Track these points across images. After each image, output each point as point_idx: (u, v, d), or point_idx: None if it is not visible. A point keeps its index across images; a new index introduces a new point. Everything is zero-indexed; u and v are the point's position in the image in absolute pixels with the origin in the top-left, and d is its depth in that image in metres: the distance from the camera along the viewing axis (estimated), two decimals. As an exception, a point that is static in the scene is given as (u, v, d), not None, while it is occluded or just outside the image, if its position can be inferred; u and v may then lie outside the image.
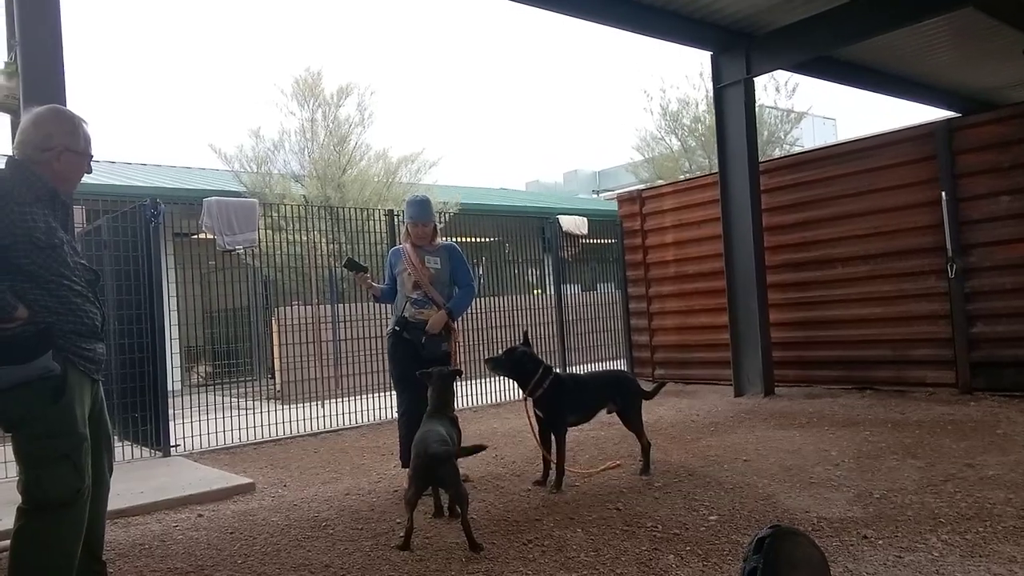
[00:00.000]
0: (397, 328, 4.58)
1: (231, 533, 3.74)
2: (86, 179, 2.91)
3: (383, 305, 7.66)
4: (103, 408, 2.81)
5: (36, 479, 2.47)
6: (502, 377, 4.51)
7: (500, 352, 4.41)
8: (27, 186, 2.53)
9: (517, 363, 4.26)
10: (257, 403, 7.85)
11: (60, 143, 2.63)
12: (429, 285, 4.56)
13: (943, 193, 6.58)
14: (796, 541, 2.12)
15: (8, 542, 2.51)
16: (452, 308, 4.58)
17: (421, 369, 4.46)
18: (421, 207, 4.73)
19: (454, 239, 8.63)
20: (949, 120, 6.97)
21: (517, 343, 4.43)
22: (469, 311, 8.50)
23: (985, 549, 2.90)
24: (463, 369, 4.77)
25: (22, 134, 2.63)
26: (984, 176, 6.43)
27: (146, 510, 4.21)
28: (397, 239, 7.58)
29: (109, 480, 2.86)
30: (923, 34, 8.00)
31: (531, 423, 4.35)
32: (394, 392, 4.84)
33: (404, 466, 4.49)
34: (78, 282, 2.60)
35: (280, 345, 8.64)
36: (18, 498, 2.49)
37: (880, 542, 3.04)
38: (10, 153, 2.74)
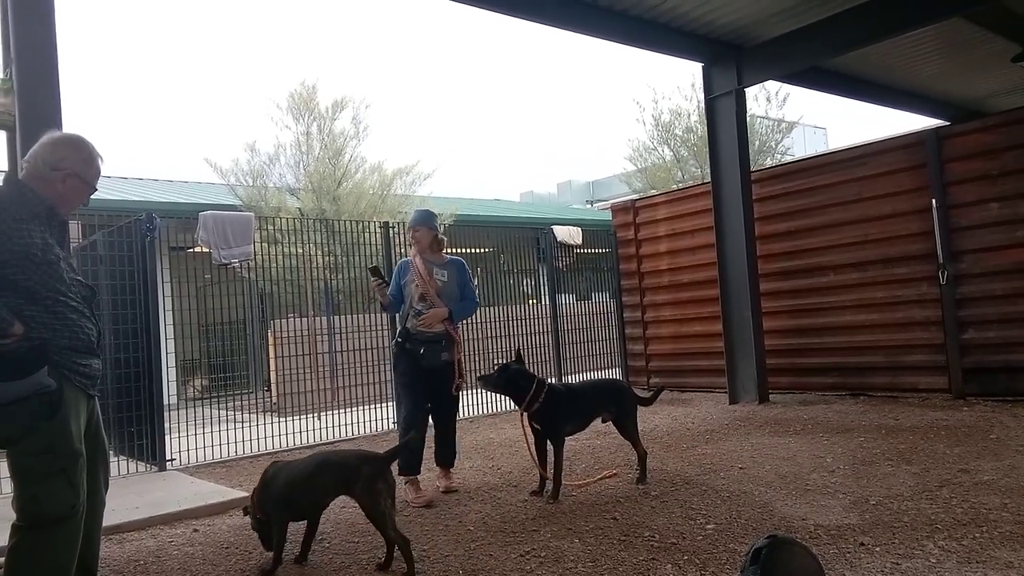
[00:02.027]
0: (400, 339, 4.66)
1: (227, 548, 3.73)
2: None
3: (381, 316, 7.72)
4: (99, 424, 2.81)
5: (32, 495, 2.46)
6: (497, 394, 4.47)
7: (493, 370, 4.36)
8: (23, 203, 2.54)
9: (511, 381, 4.25)
10: (253, 416, 7.82)
11: (71, 167, 2.67)
12: (436, 297, 4.61)
13: (933, 201, 6.63)
14: (793, 551, 2.13)
15: (3, 559, 2.50)
16: (455, 311, 4.64)
17: (423, 379, 4.57)
18: (417, 214, 4.86)
19: (450, 250, 8.63)
20: (937, 129, 7.03)
21: (510, 360, 4.40)
22: (465, 321, 8.57)
23: (982, 555, 2.91)
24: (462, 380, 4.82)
25: (39, 148, 2.67)
26: (973, 184, 6.48)
27: (141, 525, 4.19)
28: (393, 251, 7.60)
29: (105, 496, 2.86)
30: (912, 44, 8.09)
31: (527, 437, 4.35)
32: (390, 403, 4.89)
33: (401, 473, 4.53)
34: (74, 298, 2.61)
35: (276, 358, 8.62)
36: (13, 515, 2.49)
37: (877, 549, 3.06)
38: (6, 169, 2.76)
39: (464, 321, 4.95)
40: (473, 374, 8.08)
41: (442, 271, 4.71)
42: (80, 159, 2.70)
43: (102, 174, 2.82)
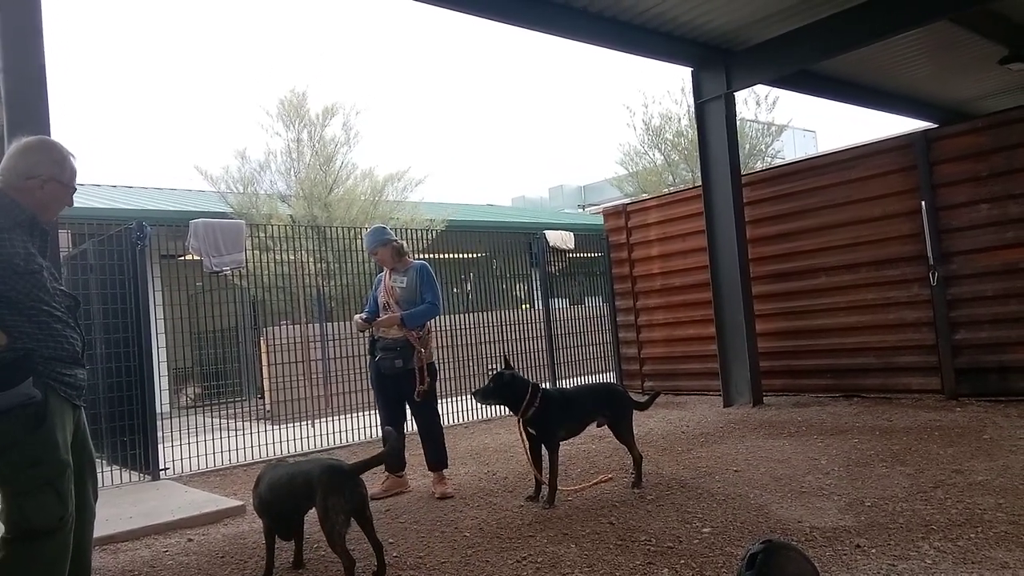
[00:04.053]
0: (370, 347, 4.85)
1: (222, 557, 3.70)
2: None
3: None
4: (86, 434, 2.78)
5: (19, 508, 2.43)
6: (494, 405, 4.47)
7: (487, 381, 4.34)
8: (4, 213, 2.52)
9: (504, 389, 4.25)
10: (247, 424, 7.79)
11: (47, 172, 2.64)
12: (395, 304, 4.72)
13: (923, 203, 6.67)
14: (788, 555, 2.13)
15: (-7, 572, 2.48)
16: (404, 316, 4.65)
17: (387, 385, 4.72)
18: (368, 238, 4.94)
19: (442, 256, 8.59)
20: (926, 131, 7.07)
21: (502, 369, 4.37)
22: (458, 327, 8.59)
23: (977, 555, 2.92)
24: (439, 387, 4.87)
25: (8, 160, 2.63)
26: (963, 185, 6.52)
27: (135, 535, 4.16)
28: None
29: (94, 507, 2.83)
30: (900, 47, 8.15)
31: (523, 442, 4.35)
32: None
33: (386, 469, 4.76)
34: (58, 308, 2.59)
35: (269, 365, 8.59)
36: (2, 527, 2.46)
37: (873, 551, 3.06)
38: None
39: (428, 325, 4.81)
40: (466, 380, 8.12)
41: (402, 278, 4.81)
42: (53, 161, 2.67)
43: (79, 174, 2.78)
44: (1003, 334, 6.31)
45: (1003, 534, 3.12)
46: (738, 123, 9.80)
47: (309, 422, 7.64)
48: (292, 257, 9.13)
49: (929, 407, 6.37)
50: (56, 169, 2.67)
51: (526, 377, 4.41)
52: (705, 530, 3.50)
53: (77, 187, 2.81)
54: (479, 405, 8.04)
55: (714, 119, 7.61)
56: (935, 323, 6.67)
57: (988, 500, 3.59)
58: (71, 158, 2.73)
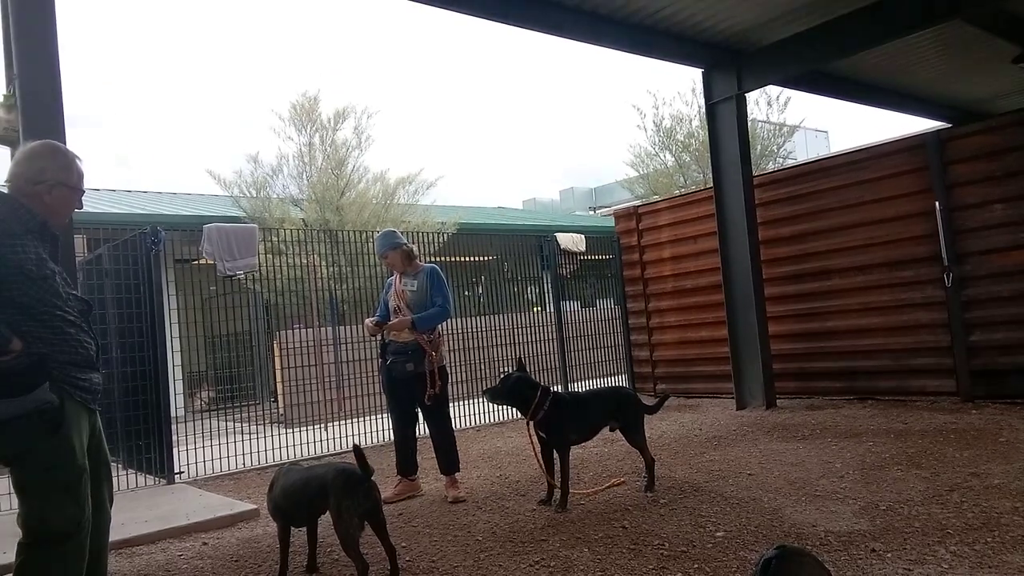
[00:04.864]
0: (380, 351, 4.89)
1: (236, 561, 3.73)
2: (87, 208, 2.95)
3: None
4: (101, 438, 2.80)
5: (37, 512, 2.45)
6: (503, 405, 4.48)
7: (497, 381, 4.36)
8: (15, 218, 2.53)
9: (514, 390, 4.24)
10: (260, 427, 7.83)
11: (53, 177, 2.65)
12: (405, 307, 4.72)
13: (937, 203, 6.62)
14: (802, 562, 2.11)
15: (11, 576, 2.50)
16: (415, 319, 4.65)
17: (399, 388, 4.74)
18: (379, 242, 4.95)
19: (453, 259, 8.61)
20: (939, 131, 7.02)
21: (512, 370, 4.39)
22: (470, 330, 8.60)
23: (994, 560, 2.89)
24: (451, 391, 4.89)
25: (16, 167, 2.65)
26: (977, 185, 6.47)
27: (151, 539, 4.19)
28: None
29: (110, 510, 2.85)
30: (912, 47, 8.09)
31: (534, 446, 4.35)
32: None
33: (399, 473, 4.84)
34: (71, 312, 2.60)
35: (282, 368, 8.63)
36: (19, 532, 2.48)
37: (888, 555, 3.04)
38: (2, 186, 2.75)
39: (440, 328, 4.85)
40: (478, 383, 8.12)
41: (412, 281, 4.80)
42: (59, 166, 2.68)
43: (86, 176, 2.79)
44: (1019, 335, 6.23)
45: (1020, 538, 3.09)
46: (749, 124, 9.76)
47: (322, 425, 7.67)
48: (305, 261, 9.17)
49: (944, 410, 6.31)
50: (63, 174, 2.68)
51: (537, 380, 4.40)
52: (719, 534, 3.48)
53: (85, 189, 2.83)
54: (491, 408, 8.06)
55: (725, 120, 7.58)
56: (950, 325, 6.61)
57: (1005, 504, 3.56)
58: (77, 161, 2.74)
